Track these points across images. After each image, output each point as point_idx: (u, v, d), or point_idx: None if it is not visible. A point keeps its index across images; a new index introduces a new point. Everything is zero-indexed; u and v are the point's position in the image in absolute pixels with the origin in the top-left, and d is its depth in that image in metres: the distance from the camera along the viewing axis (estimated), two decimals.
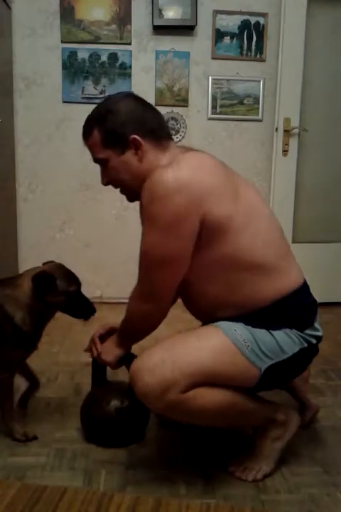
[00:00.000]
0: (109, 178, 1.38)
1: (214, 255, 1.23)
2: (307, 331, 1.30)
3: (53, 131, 3.10)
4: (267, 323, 1.26)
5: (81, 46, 3.03)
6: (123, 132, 1.27)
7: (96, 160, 1.37)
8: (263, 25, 3.08)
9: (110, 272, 3.25)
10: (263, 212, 1.32)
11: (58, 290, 1.41)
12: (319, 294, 3.52)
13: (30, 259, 3.23)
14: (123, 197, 1.49)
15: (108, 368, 1.53)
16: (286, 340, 1.26)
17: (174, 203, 1.15)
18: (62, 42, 3.02)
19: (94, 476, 1.31)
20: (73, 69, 3.04)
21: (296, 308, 1.29)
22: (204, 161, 1.25)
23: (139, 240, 1.27)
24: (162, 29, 3.04)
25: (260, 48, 3.11)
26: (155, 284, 1.27)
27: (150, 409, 1.36)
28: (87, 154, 1.44)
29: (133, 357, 1.40)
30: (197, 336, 1.29)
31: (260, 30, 3.09)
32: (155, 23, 2.97)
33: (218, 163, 1.28)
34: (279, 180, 3.13)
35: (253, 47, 3.11)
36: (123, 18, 3.02)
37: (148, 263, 1.26)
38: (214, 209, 1.18)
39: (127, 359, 1.43)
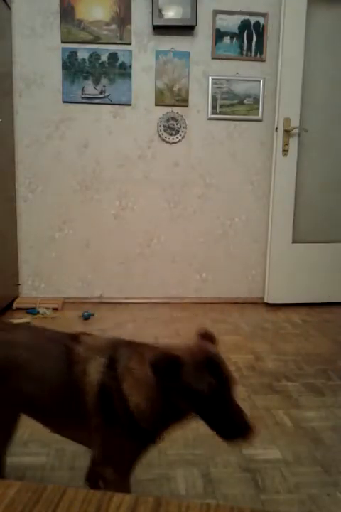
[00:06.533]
0: None
1: None
2: None
3: (53, 131, 3.10)
4: None
5: (81, 46, 3.03)
6: None
7: None
8: (263, 25, 3.08)
9: (109, 271, 3.25)
10: None
11: (183, 383, 0.94)
12: (319, 294, 3.57)
13: (30, 259, 3.25)
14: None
15: None
16: None
17: None
18: (62, 42, 3.02)
19: None
20: (73, 69, 3.04)
21: None
22: None
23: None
24: (162, 29, 3.04)
25: (260, 48, 3.11)
26: None
27: None
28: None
29: None
30: None
31: (260, 30, 3.09)
32: (155, 23, 2.97)
33: None
34: (279, 180, 3.13)
35: (253, 47, 3.11)
36: (123, 18, 3.02)
37: None
38: None
39: None
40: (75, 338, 1.08)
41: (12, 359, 1.05)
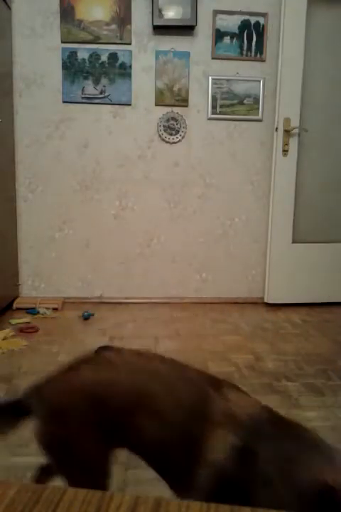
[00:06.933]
0: None
1: None
2: None
3: (53, 131, 3.10)
4: None
5: (81, 46, 3.03)
6: None
7: None
8: (263, 25, 3.08)
9: (109, 271, 3.25)
10: None
11: None
12: (319, 294, 3.56)
13: (30, 259, 3.24)
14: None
15: None
16: None
17: None
18: (62, 42, 3.02)
19: None
20: (73, 69, 3.04)
21: None
22: None
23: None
24: (162, 29, 3.04)
25: (260, 47, 3.11)
26: None
27: None
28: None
29: None
30: None
31: (260, 30, 3.09)
32: (155, 23, 2.97)
33: None
34: (279, 180, 3.13)
35: (253, 47, 3.11)
36: (123, 18, 3.02)
37: None
38: None
39: None
40: (219, 387, 0.90)
41: (144, 391, 0.94)
